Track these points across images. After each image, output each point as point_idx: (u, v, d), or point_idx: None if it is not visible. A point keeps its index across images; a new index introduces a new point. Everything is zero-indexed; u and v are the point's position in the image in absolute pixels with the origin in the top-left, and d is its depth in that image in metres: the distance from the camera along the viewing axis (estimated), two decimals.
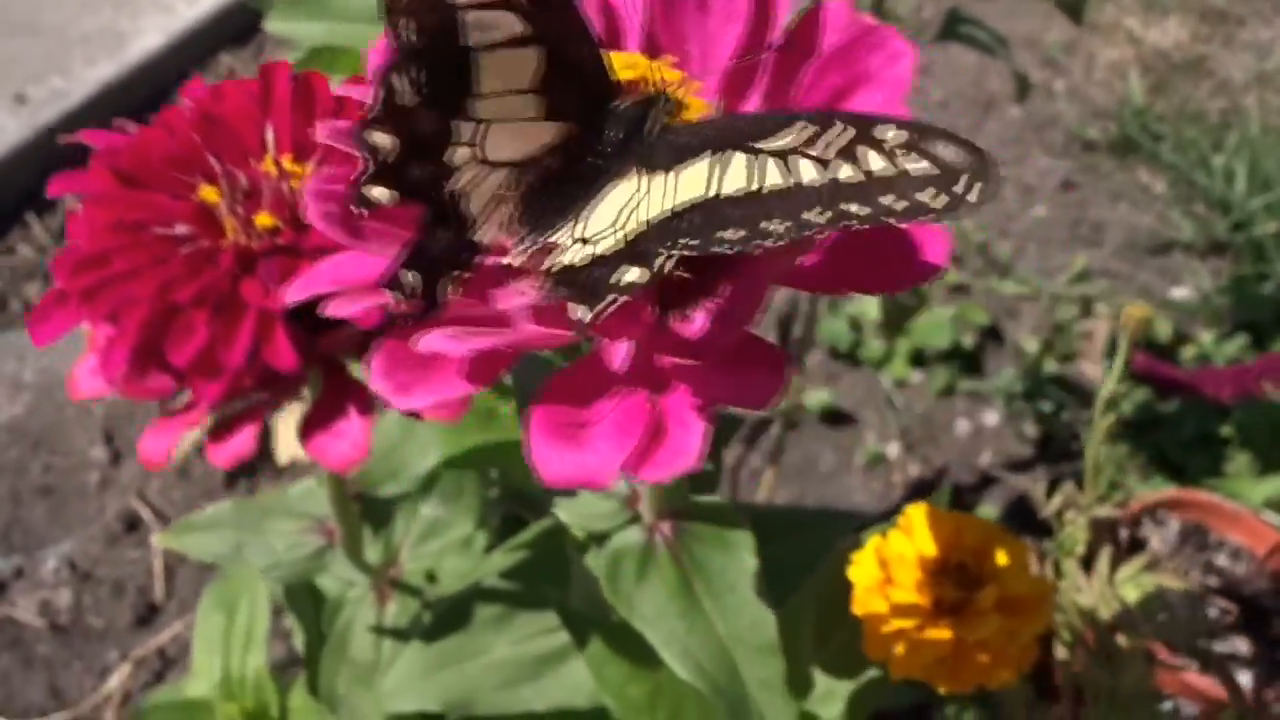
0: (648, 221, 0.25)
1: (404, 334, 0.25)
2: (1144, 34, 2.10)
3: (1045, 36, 2.10)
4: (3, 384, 1.49)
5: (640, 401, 0.23)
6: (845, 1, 0.27)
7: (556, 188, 0.30)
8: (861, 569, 0.48)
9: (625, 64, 0.28)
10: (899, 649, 0.46)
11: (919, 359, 1.62)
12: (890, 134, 0.23)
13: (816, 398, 1.57)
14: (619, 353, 0.23)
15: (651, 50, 0.30)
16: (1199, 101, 1.97)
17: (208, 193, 0.33)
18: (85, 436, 1.44)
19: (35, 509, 1.38)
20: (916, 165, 0.23)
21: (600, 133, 0.30)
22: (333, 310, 0.26)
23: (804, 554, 0.56)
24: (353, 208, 0.27)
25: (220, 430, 0.34)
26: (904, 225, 0.22)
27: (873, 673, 0.51)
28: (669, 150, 0.27)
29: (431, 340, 0.23)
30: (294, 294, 0.27)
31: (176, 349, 0.30)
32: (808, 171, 0.24)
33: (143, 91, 1.81)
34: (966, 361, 1.62)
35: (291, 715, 0.63)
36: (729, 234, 0.23)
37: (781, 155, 0.24)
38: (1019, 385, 1.59)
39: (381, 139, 0.28)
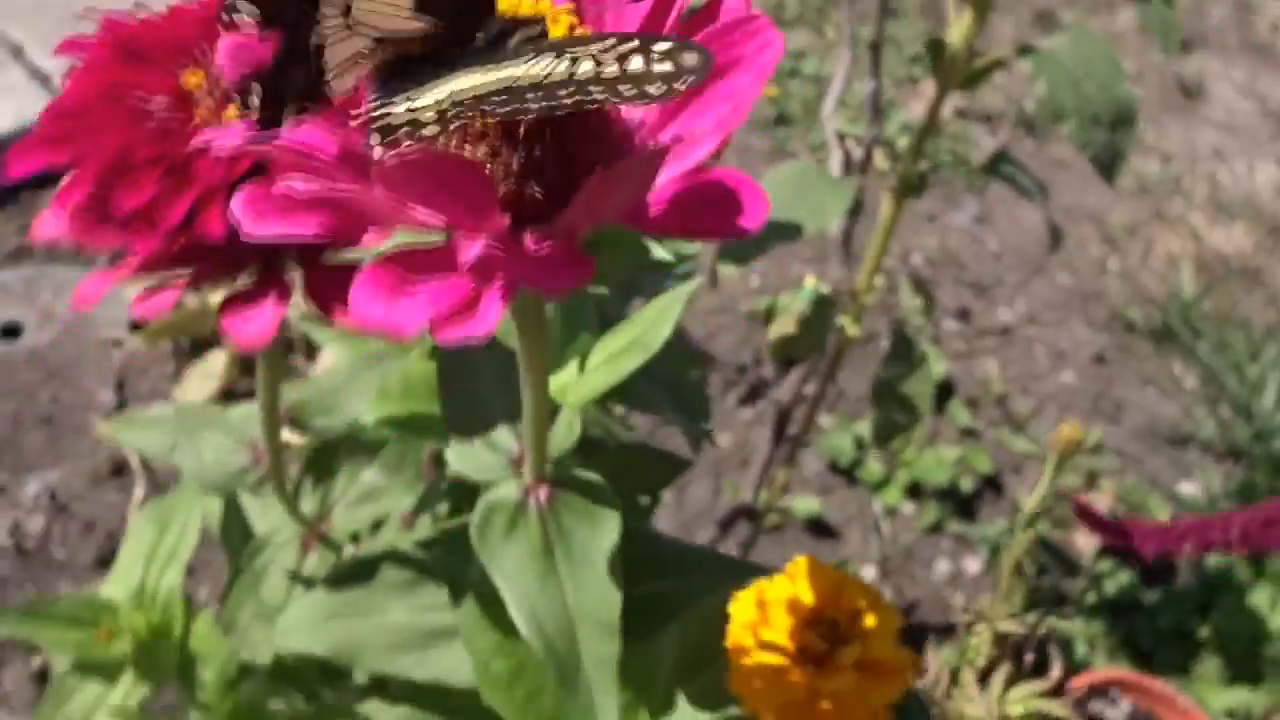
0: (460, 94, 0.28)
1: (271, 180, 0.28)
2: (1207, 233, 2.12)
3: (1110, 216, 2.13)
4: (35, 313, 1.54)
5: (465, 281, 0.26)
6: None
7: (414, 68, 0.32)
8: (741, 606, 0.49)
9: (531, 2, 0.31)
10: (757, 683, 0.47)
11: (915, 491, 1.62)
12: (660, 46, 0.28)
13: (805, 505, 1.58)
14: (471, 249, 0.26)
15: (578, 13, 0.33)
16: (1246, 309, 1.98)
17: (191, 78, 0.36)
18: (98, 378, 1.48)
19: (33, 435, 1.42)
20: (662, 67, 0.27)
21: (469, 37, 0.33)
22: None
23: (712, 591, 0.58)
24: (223, 15, 0.30)
25: (149, 289, 0.37)
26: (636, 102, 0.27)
27: (735, 711, 0.52)
28: (515, 55, 0.30)
29: (287, 181, 0.26)
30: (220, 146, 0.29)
31: (124, 198, 0.34)
32: (584, 66, 0.27)
33: None
34: (961, 504, 1.62)
35: (193, 637, 0.64)
36: (499, 104, 0.27)
37: (575, 57, 0.28)
38: (1008, 539, 1.58)
39: None
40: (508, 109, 0.27)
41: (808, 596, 0.49)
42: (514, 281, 0.25)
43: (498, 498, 0.41)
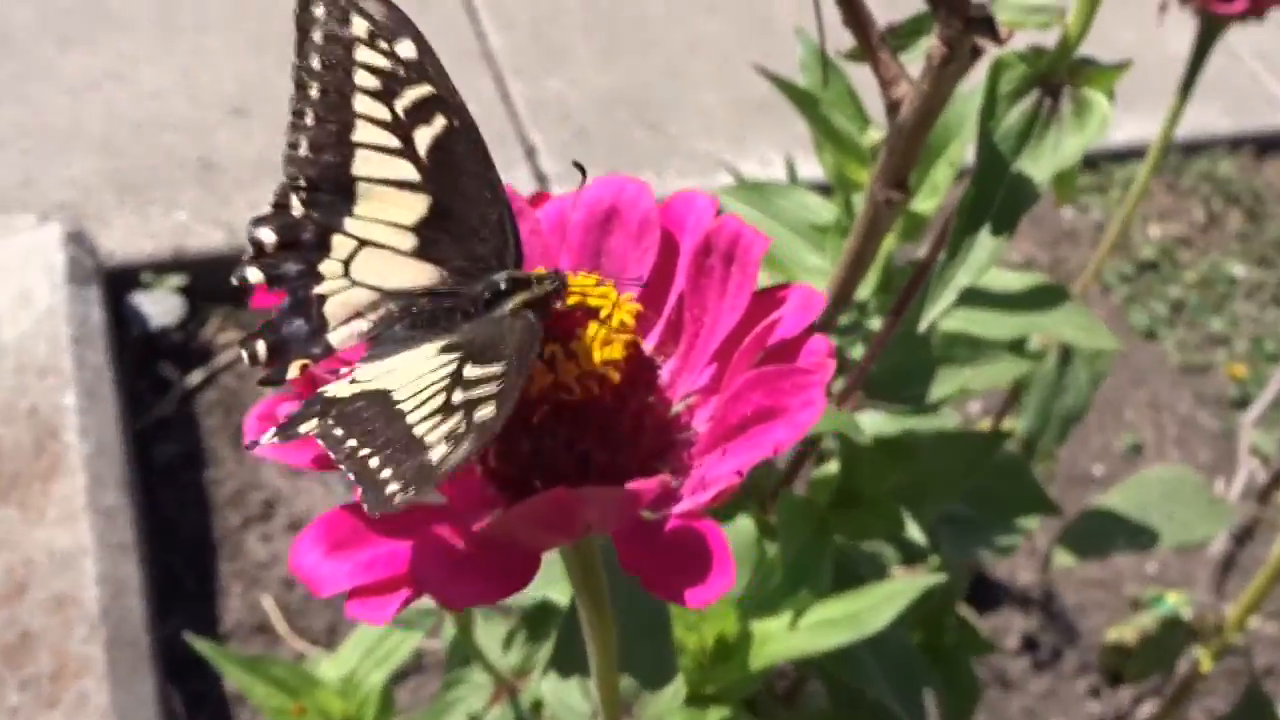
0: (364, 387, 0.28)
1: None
2: None
3: None
4: None
5: (388, 566, 0.26)
6: (828, 343, 0.28)
7: (412, 325, 0.32)
8: None
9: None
10: None
11: None
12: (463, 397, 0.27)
13: None
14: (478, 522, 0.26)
15: (680, 316, 0.32)
16: None
17: None
18: None
19: None
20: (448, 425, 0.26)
21: (472, 289, 0.32)
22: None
23: None
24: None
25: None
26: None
27: None
28: (504, 321, 0.29)
29: (283, 408, 0.29)
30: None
31: None
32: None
33: None
34: None
35: None
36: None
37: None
38: None
39: (263, 233, 0.33)
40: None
41: None
42: (418, 586, 0.25)
43: None
